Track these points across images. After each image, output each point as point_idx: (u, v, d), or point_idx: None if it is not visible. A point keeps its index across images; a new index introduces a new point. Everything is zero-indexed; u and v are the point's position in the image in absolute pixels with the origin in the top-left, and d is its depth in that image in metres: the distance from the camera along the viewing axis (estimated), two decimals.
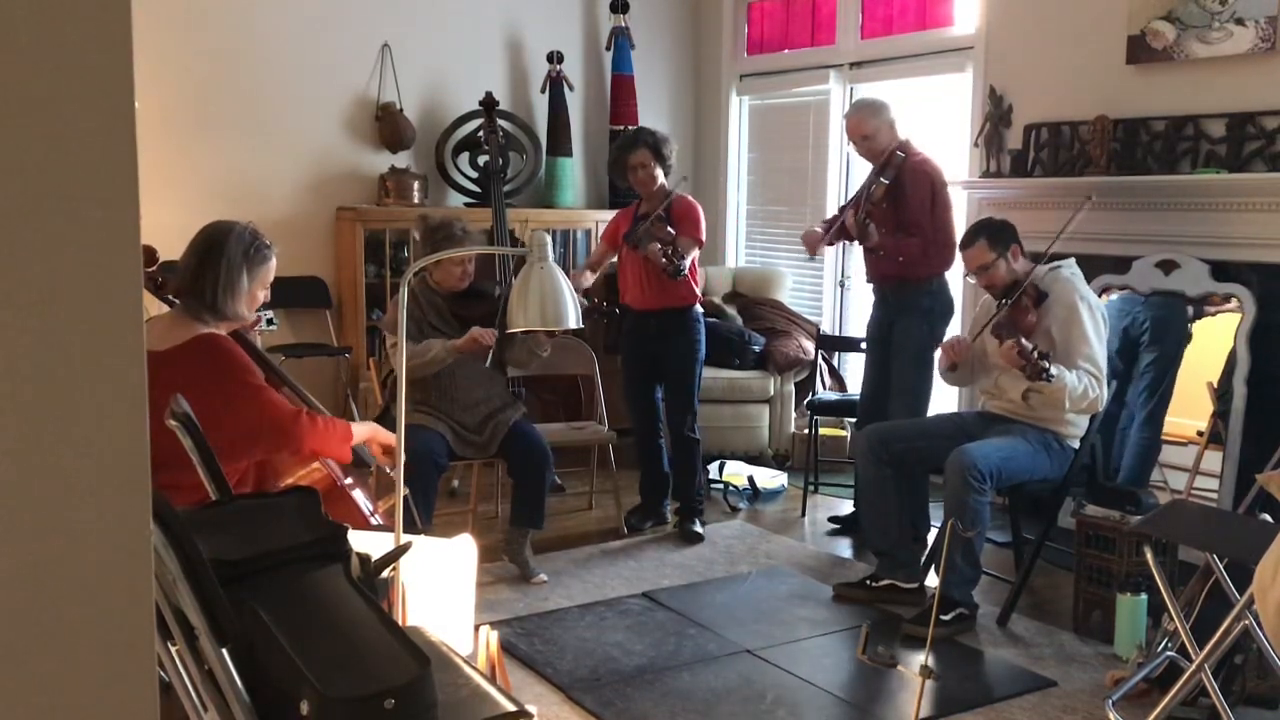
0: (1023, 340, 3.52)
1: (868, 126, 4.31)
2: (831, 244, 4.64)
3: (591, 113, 6.42)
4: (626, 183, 4.66)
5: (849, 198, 4.77)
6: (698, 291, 4.59)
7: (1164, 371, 4.42)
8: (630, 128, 6.22)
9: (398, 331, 2.49)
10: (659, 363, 4.63)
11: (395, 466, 2.48)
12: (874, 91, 5.38)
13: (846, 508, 4.91)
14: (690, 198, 4.61)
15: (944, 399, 4.68)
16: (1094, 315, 3.69)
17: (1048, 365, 3.46)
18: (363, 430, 2.91)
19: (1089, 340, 3.64)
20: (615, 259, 4.73)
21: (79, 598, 0.90)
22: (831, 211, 5.98)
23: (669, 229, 4.36)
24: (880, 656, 2.67)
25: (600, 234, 6.20)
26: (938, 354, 4.02)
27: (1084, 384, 3.57)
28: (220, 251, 2.72)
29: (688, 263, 4.34)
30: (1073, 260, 3.85)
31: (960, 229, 4.84)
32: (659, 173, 4.48)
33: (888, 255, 4.29)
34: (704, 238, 4.53)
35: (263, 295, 2.84)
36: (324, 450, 2.79)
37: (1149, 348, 4.43)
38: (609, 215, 6.20)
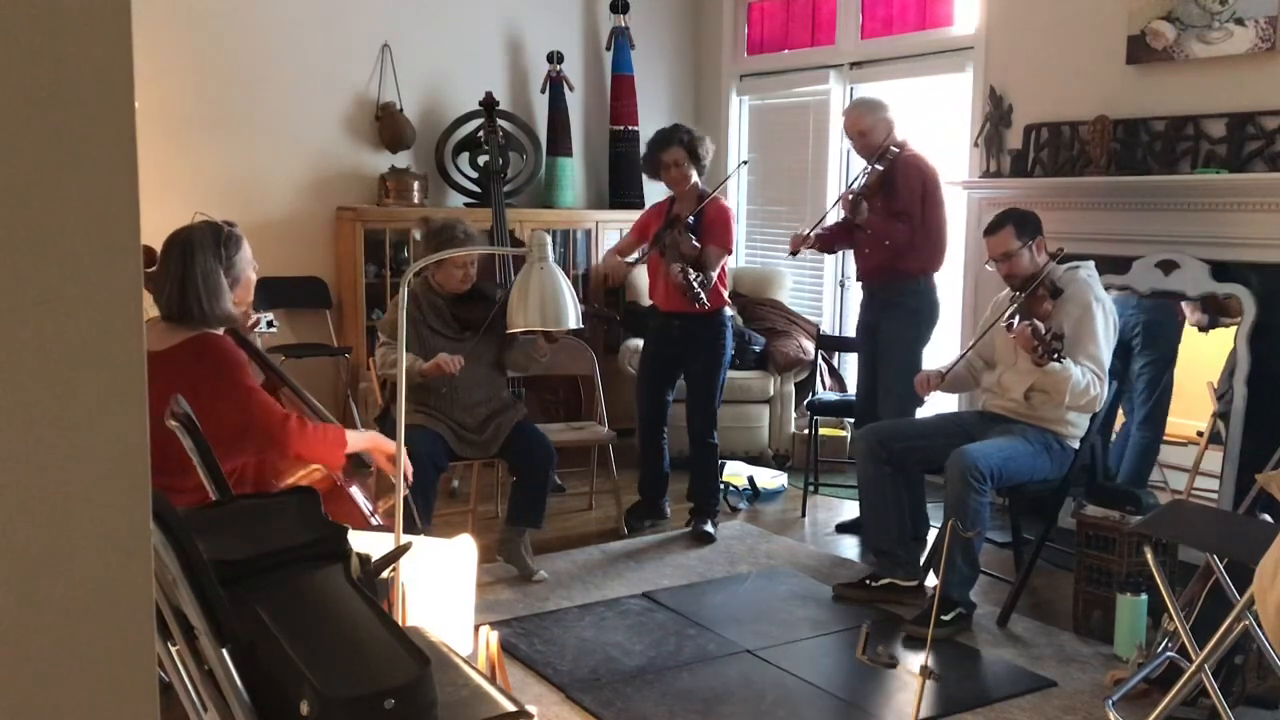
0: (1036, 321, 3.53)
1: (864, 123, 4.36)
2: (817, 247, 4.62)
3: (591, 113, 6.42)
4: (659, 179, 4.60)
5: (841, 190, 4.78)
6: (725, 295, 4.56)
7: (1160, 372, 4.43)
8: (630, 127, 6.24)
9: (397, 333, 2.49)
10: (678, 365, 4.61)
11: (397, 474, 2.48)
12: (874, 91, 5.38)
13: (847, 509, 4.91)
14: (723, 201, 4.56)
15: (943, 399, 4.68)
16: (1106, 318, 3.70)
17: (1060, 347, 3.47)
18: (361, 440, 2.89)
19: (1097, 341, 3.65)
20: (637, 255, 4.67)
21: (79, 598, 0.90)
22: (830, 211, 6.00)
23: (695, 243, 4.33)
24: (880, 657, 2.67)
25: (593, 233, 6.22)
26: (919, 377, 4.02)
27: (1087, 379, 3.58)
28: (191, 262, 2.70)
29: (711, 283, 4.32)
30: (1091, 263, 3.86)
31: (960, 230, 4.85)
32: (693, 172, 4.44)
33: (875, 235, 4.31)
34: (733, 246, 4.51)
35: (254, 274, 2.87)
36: (312, 456, 2.77)
37: (1142, 351, 4.44)
38: (609, 215, 6.24)
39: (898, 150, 4.32)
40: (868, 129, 4.35)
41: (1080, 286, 3.73)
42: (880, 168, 4.30)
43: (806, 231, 4.49)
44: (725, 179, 4.48)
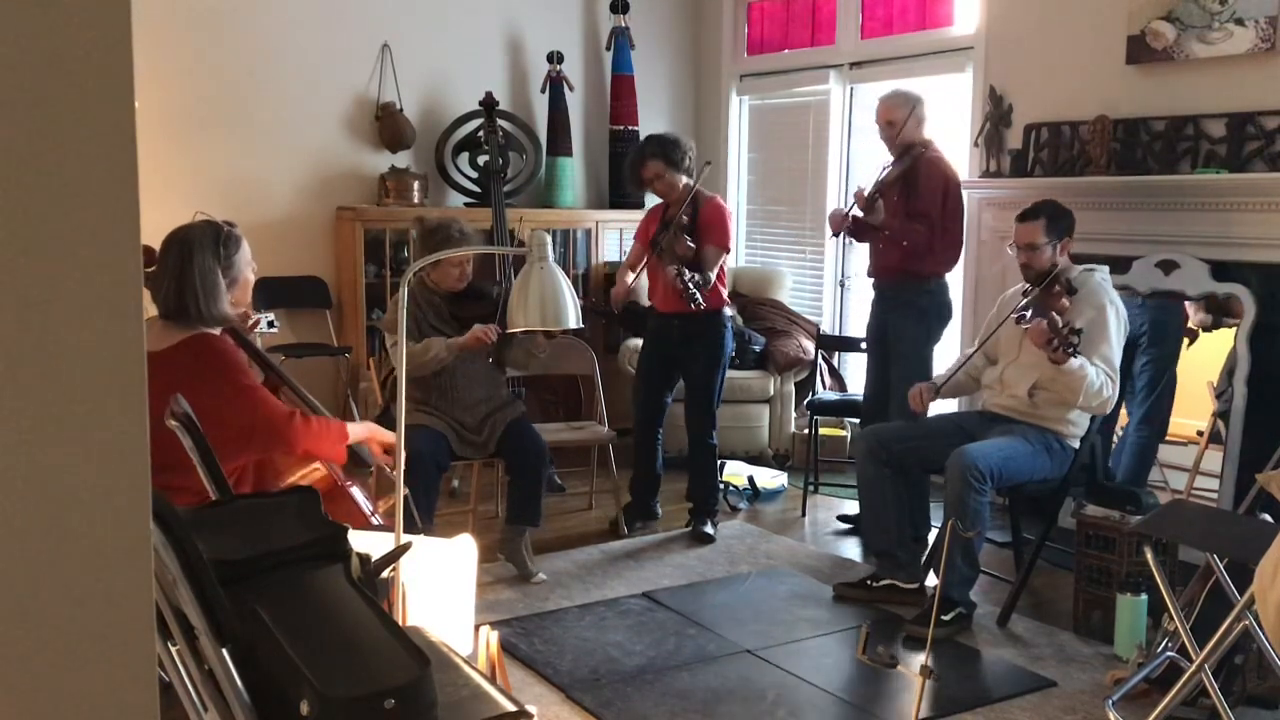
0: (1053, 315, 3.53)
1: (895, 114, 4.38)
2: (852, 232, 4.57)
3: (591, 113, 6.42)
4: (644, 193, 4.60)
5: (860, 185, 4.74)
6: (724, 294, 4.55)
7: (1161, 371, 4.42)
8: (630, 127, 6.23)
9: (397, 332, 2.49)
10: (677, 366, 4.60)
11: (396, 466, 2.48)
12: (874, 92, 5.37)
13: (849, 507, 4.91)
14: (717, 199, 4.54)
15: (944, 400, 4.68)
16: (1119, 322, 3.70)
17: (1078, 342, 3.46)
18: (360, 430, 2.90)
19: (1110, 343, 3.65)
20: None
21: (79, 598, 0.90)
22: (832, 208, 5.99)
23: (690, 244, 4.32)
24: (880, 656, 2.67)
25: (593, 233, 6.22)
26: (912, 392, 4.02)
27: (1101, 380, 3.58)
28: (189, 261, 2.70)
29: (710, 283, 4.32)
30: (1106, 268, 3.86)
31: (965, 232, 4.84)
32: (678, 178, 4.42)
33: (893, 236, 4.30)
34: (730, 243, 4.50)
35: (253, 275, 2.87)
36: (317, 451, 2.78)
37: (1146, 349, 4.44)
38: (609, 215, 6.25)
39: (923, 149, 4.32)
40: (897, 120, 4.36)
41: (1095, 289, 3.73)
42: (903, 166, 4.29)
43: (846, 210, 4.47)
44: (697, 180, 4.40)
